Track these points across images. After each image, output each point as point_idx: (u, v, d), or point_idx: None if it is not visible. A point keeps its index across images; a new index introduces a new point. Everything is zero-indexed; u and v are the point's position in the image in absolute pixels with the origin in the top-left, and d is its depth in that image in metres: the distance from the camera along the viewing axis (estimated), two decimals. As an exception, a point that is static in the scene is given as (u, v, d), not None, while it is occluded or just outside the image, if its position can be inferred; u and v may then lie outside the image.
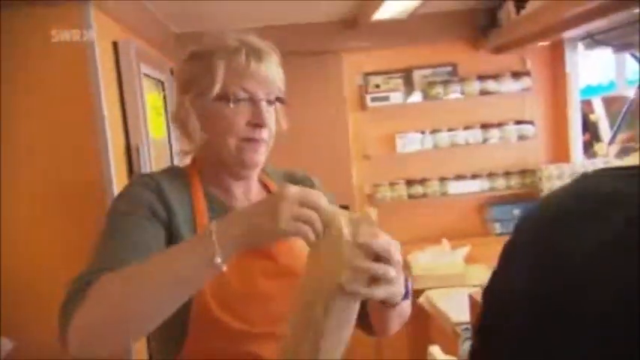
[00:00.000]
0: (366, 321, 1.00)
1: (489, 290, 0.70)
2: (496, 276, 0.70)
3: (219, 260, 0.76)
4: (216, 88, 0.97)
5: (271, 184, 1.11)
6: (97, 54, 1.81)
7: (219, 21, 2.88)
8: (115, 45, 2.02)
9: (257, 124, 0.98)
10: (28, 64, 1.76)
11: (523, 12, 2.83)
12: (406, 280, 0.88)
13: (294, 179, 1.14)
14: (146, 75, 2.25)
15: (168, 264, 0.80)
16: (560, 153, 3.50)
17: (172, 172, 1.05)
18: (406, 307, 0.97)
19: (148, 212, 0.93)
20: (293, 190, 0.77)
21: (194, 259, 0.78)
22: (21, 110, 1.77)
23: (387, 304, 0.89)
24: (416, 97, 3.44)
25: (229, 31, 1.03)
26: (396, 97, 3.40)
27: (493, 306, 0.69)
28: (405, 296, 0.89)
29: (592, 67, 3.64)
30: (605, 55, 3.33)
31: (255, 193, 1.08)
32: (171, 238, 0.95)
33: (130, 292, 0.78)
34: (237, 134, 0.98)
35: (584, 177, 0.66)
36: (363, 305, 0.94)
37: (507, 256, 0.69)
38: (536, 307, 0.59)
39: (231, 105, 0.97)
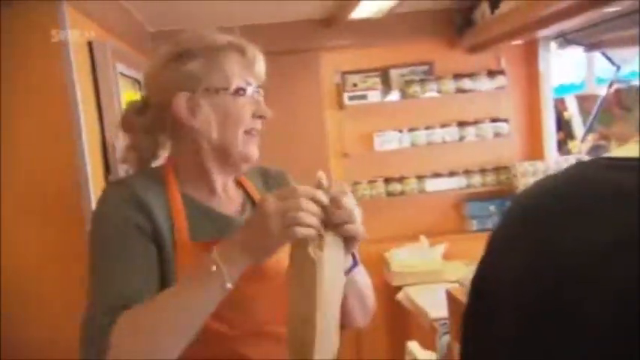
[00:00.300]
0: None
1: (478, 283, 0.67)
2: (484, 269, 0.67)
3: (229, 285, 0.85)
4: (233, 83, 1.00)
5: (245, 181, 1.12)
6: (72, 53, 1.79)
7: (196, 20, 2.86)
8: (90, 44, 2.00)
9: (261, 115, 1.03)
10: (27, 63, 1.75)
11: (497, 12, 2.87)
12: (353, 254, 0.96)
13: (268, 175, 1.15)
14: (122, 74, 2.23)
15: (183, 301, 0.87)
16: (534, 150, 3.56)
17: (146, 173, 1.05)
18: (361, 283, 1.02)
19: (135, 230, 0.94)
20: (273, 202, 0.84)
21: (208, 291, 0.85)
22: (21, 110, 1.75)
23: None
24: (393, 95, 3.47)
25: (211, 30, 1.04)
26: (374, 96, 3.42)
27: (484, 301, 0.66)
28: (354, 265, 0.97)
29: (565, 65, 3.71)
30: (577, 54, 3.40)
31: (232, 189, 1.09)
32: (157, 243, 0.96)
33: (152, 336, 0.85)
34: (244, 126, 1.01)
35: (578, 166, 0.63)
36: None
37: (497, 246, 0.66)
38: (532, 306, 0.57)
39: (245, 97, 1.01)
